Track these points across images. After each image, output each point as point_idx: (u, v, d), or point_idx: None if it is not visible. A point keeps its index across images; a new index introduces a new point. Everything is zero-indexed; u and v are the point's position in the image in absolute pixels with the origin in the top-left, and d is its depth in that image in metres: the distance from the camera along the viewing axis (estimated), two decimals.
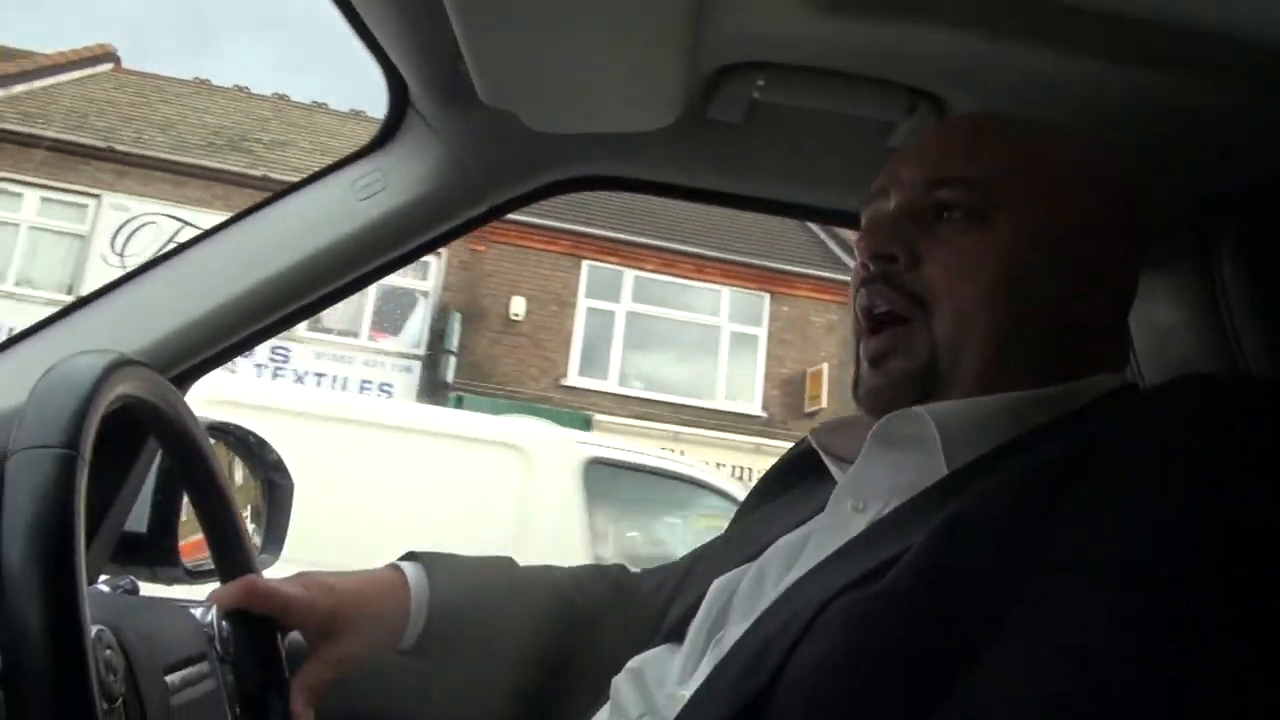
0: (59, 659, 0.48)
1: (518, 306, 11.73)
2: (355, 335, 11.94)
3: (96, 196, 11.60)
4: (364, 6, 0.83)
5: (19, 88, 12.05)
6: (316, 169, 1.01)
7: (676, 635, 0.75)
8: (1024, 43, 0.78)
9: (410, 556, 0.89)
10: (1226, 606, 0.47)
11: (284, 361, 11.66)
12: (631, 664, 0.74)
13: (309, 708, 0.81)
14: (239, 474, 1.26)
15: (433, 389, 11.31)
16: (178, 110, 12.76)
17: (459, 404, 10.51)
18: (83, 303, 0.97)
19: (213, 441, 1.09)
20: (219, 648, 0.78)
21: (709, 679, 0.60)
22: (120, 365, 0.61)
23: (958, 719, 0.49)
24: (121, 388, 0.61)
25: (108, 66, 13.27)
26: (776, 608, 0.61)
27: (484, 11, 0.74)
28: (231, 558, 0.87)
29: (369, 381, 11.78)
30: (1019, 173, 0.69)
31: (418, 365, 11.77)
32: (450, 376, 11.33)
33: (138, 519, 1.17)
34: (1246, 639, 0.46)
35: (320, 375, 11.68)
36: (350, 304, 11.73)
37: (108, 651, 0.56)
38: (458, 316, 11.60)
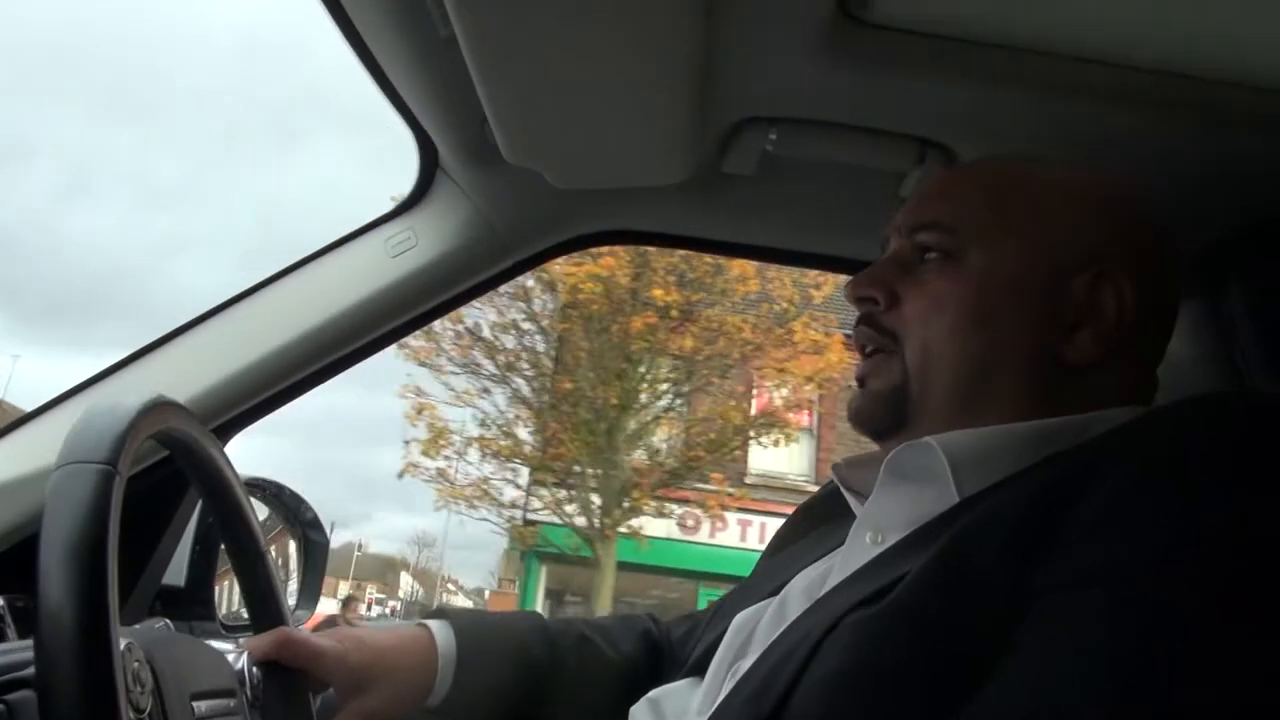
0: (88, 659, 0.50)
1: None
2: None
3: None
4: (396, 75, 0.88)
5: None
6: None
7: (699, 670, 0.75)
8: (1030, 92, 0.80)
9: (439, 614, 0.91)
10: (1231, 623, 0.47)
11: None
12: (651, 694, 0.74)
13: None
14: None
15: None
16: None
17: None
18: (130, 360, 1.01)
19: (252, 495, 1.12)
20: (249, 693, 0.80)
21: (723, 703, 0.60)
22: (160, 403, 0.65)
23: None
24: (160, 422, 0.65)
25: None
26: (789, 631, 0.61)
27: (507, 76, 0.78)
28: (265, 609, 0.89)
29: None
30: (993, 212, 0.71)
31: None
32: None
33: (175, 573, 1.20)
34: (1250, 656, 0.46)
35: None
36: None
37: (136, 664, 0.58)
38: None
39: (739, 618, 0.74)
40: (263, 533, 0.90)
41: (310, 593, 1.30)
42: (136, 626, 0.88)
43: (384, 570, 47.60)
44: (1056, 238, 0.70)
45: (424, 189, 1.03)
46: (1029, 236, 0.70)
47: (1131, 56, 0.75)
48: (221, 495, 0.82)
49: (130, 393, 0.63)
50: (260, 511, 1.12)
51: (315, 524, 1.35)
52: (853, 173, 0.95)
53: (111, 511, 0.54)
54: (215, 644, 0.92)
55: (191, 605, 1.19)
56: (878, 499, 0.69)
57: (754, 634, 0.71)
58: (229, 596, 1.20)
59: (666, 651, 0.91)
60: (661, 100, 0.82)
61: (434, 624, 0.87)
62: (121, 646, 0.54)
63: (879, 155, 0.91)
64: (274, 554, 1.19)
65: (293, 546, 1.34)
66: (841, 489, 0.78)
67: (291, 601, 1.20)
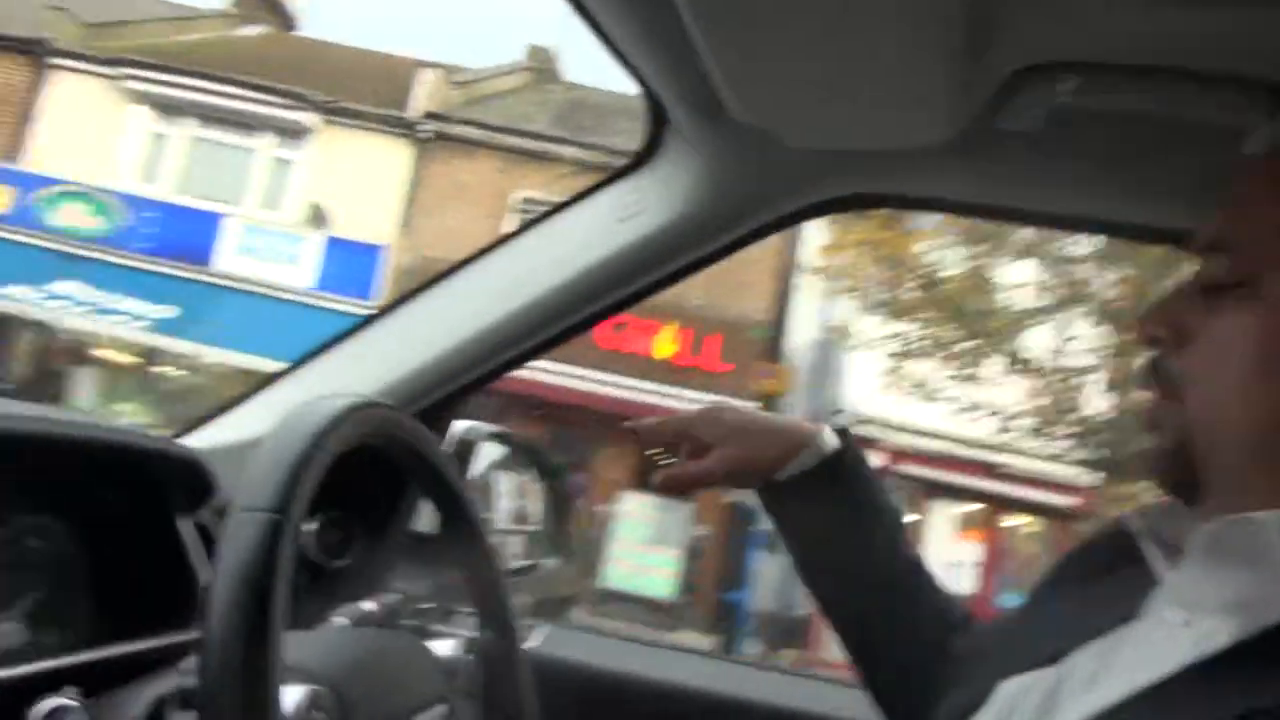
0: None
1: None
2: None
3: None
4: (619, 32, 0.80)
5: None
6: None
7: None
8: None
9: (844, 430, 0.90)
10: None
11: None
12: None
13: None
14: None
15: None
16: None
17: None
18: (338, 340, 1.02)
19: (498, 448, 1.12)
20: (464, 684, 0.79)
21: None
22: (350, 411, 0.63)
23: None
24: (349, 432, 0.63)
25: None
26: None
27: (731, 26, 0.68)
28: (485, 599, 0.85)
29: None
30: None
31: None
32: None
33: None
34: None
35: None
36: None
37: (318, 714, 0.58)
38: None
39: (1007, 688, 0.63)
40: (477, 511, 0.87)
41: (560, 543, 1.32)
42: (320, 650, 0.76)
43: None
44: None
45: (652, 149, 0.94)
46: None
47: None
48: (428, 482, 0.80)
49: (311, 404, 0.61)
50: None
51: (560, 474, 1.36)
52: (1171, 127, 0.75)
53: (280, 563, 0.53)
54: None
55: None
56: (1189, 573, 0.57)
57: (1022, 710, 0.61)
58: None
59: (950, 651, 0.82)
60: (927, 46, 0.68)
61: (829, 428, 0.88)
62: (301, 696, 0.54)
63: (1213, 106, 0.72)
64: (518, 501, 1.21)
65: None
66: (1138, 541, 0.65)
67: (534, 557, 1.20)
